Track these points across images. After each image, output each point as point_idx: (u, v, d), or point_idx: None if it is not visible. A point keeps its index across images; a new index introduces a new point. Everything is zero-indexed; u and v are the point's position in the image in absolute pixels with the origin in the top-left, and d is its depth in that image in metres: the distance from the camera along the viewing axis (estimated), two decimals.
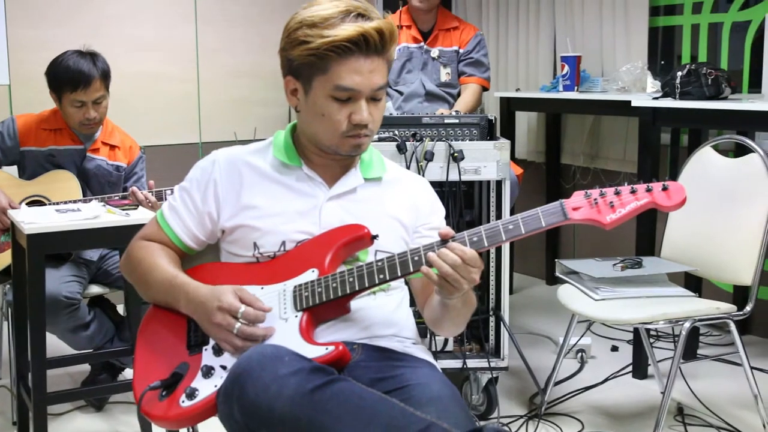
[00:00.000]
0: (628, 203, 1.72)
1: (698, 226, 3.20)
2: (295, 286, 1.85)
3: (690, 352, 3.89)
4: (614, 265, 3.22)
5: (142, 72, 4.77)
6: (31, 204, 3.30)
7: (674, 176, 3.81)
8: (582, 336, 3.88)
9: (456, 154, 3.11)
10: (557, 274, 3.30)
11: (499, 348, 3.32)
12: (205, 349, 1.84)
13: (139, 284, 2.01)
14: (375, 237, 1.90)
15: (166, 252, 2.00)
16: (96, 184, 3.46)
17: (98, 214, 2.86)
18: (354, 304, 1.88)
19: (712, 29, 4.39)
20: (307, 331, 1.80)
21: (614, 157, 4.77)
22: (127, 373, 3.60)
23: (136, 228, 2.77)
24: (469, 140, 3.21)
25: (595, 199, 1.74)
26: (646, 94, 4.05)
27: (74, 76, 3.26)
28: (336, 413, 1.50)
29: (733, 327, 2.97)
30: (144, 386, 1.84)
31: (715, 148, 3.25)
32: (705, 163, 3.25)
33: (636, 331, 3.67)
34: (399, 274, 1.79)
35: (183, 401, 1.77)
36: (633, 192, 1.73)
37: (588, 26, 4.79)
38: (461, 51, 4.07)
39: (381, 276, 1.79)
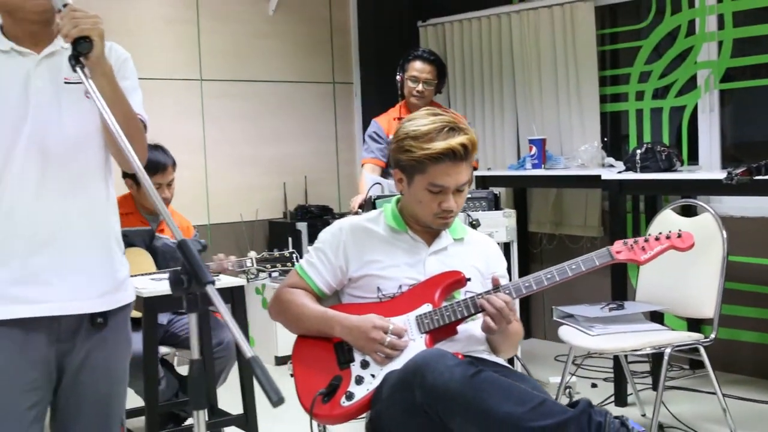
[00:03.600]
0: (655, 246, 2.50)
1: (666, 275, 3.95)
2: (417, 316, 2.51)
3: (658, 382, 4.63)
4: (602, 308, 3.95)
5: None
6: None
7: (637, 235, 4.61)
8: (572, 376, 4.57)
9: (474, 222, 3.82)
10: (555, 318, 4.00)
11: None
12: (353, 364, 2.49)
13: (290, 320, 2.64)
14: (468, 280, 2.59)
15: (309, 296, 2.65)
16: (162, 259, 4.04)
17: None
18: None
19: (654, 113, 5.26)
20: (430, 347, 2.47)
21: (576, 223, 5.54)
22: (189, 422, 4.14)
23: (223, 291, 3.43)
24: (480, 210, 3.94)
25: (631, 245, 2.50)
26: (606, 168, 4.86)
27: (155, 165, 3.90)
28: (489, 390, 2.16)
29: (702, 351, 3.72)
30: (307, 396, 2.48)
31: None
32: (667, 222, 4.01)
33: (615, 367, 4.40)
34: None
35: (343, 402, 2.42)
36: (657, 239, 2.51)
37: (547, 113, 5.61)
38: None
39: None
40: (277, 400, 1.61)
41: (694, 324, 4.54)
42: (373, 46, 6.37)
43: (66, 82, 2.21)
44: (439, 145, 2.50)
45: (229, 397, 3.99)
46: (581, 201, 5.51)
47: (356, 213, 4.38)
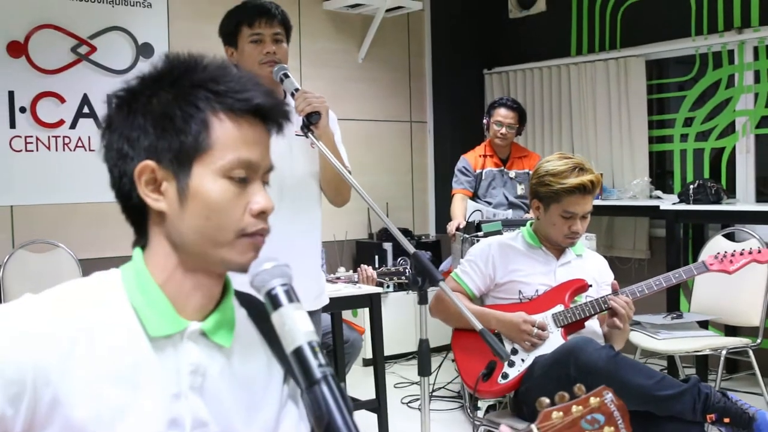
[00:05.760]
0: (741, 259, 3.28)
1: (717, 289, 4.76)
2: (553, 314, 3.30)
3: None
4: (664, 317, 4.76)
5: None
6: None
7: (687, 257, 5.43)
8: None
9: None
10: None
11: None
12: (501, 358, 3.27)
13: (451, 316, 3.41)
14: (590, 286, 3.39)
15: (464, 297, 3.43)
16: None
17: (339, 288, 4.26)
18: None
19: (696, 153, 6.09)
20: (565, 338, 3.26)
21: (626, 247, 6.36)
22: None
23: (363, 297, 4.19)
24: None
25: (721, 259, 3.29)
26: (653, 200, 5.69)
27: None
28: (625, 368, 2.92)
29: (751, 353, 4.52)
30: (469, 377, 3.27)
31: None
32: (717, 246, 4.80)
33: (669, 368, 5.20)
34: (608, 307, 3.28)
35: (500, 380, 3.21)
36: (741, 254, 3.29)
37: (601, 151, 6.45)
38: (531, 172, 5.63)
39: (605, 306, 3.27)
40: (506, 356, 2.44)
41: (731, 333, 5.31)
42: (444, 89, 7.26)
43: (296, 135, 3.01)
44: (573, 180, 3.26)
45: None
46: (630, 228, 6.33)
47: (453, 236, 5.20)
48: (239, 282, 1.48)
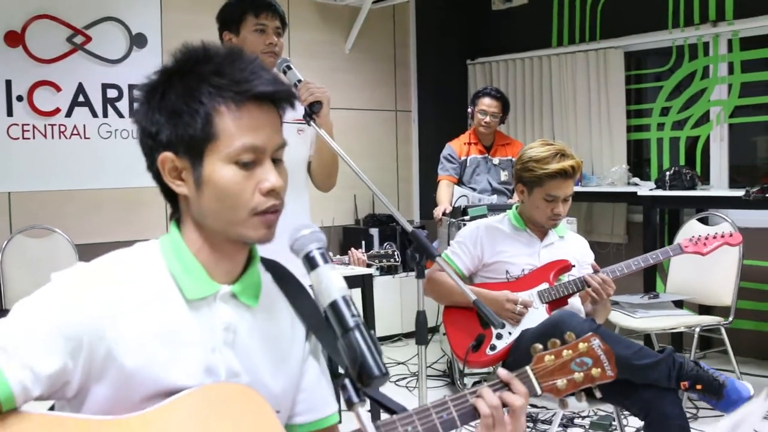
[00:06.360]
0: (714, 242, 3.49)
1: (691, 271, 4.99)
2: (538, 291, 3.50)
3: None
4: (641, 296, 4.99)
5: None
6: None
7: (662, 241, 5.65)
8: None
9: None
10: None
11: None
12: (493, 325, 3.47)
13: (443, 294, 3.61)
14: (573, 266, 3.59)
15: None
16: None
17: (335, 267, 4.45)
18: None
19: (672, 141, 6.32)
20: (549, 314, 3.46)
21: (604, 232, 6.59)
22: None
23: (355, 278, 4.38)
24: None
25: (696, 241, 3.50)
26: (631, 186, 5.91)
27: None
28: (607, 339, 2.85)
29: (723, 331, 4.75)
30: (459, 349, 3.46)
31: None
32: (692, 230, 5.04)
33: (645, 344, 5.40)
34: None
35: (488, 352, 3.41)
36: (714, 237, 3.51)
37: (581, 139, 6.67)
38: (514, 159, 5.83)
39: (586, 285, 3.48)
40: (498, 324, 2.63)
41: (705, 312, 5.51)
42: (429, 79, 7.46)
43: (284, 122, 3.19)
44: (554, 166, 3.45)
45: None
46: (609, 213, 6.55)
47: (440, 221, 5.40)
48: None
